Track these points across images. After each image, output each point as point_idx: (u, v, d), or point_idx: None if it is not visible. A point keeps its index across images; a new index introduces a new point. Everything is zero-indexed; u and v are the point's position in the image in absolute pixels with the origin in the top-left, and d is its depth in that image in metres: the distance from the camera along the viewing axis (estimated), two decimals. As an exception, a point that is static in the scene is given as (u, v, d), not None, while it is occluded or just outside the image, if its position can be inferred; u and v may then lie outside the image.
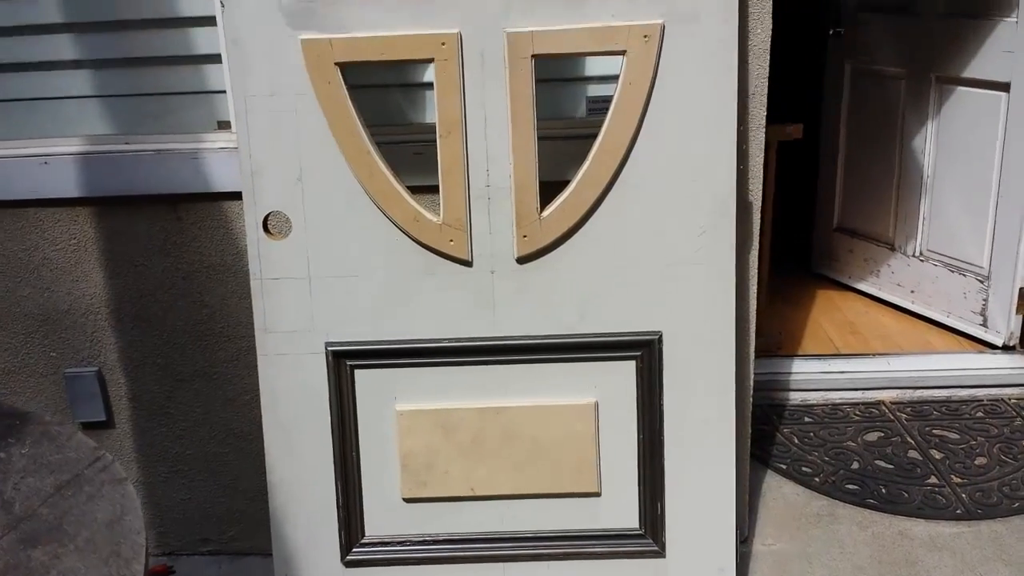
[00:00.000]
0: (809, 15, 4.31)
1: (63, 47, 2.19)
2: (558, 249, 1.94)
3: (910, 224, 3.37)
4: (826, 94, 3.61)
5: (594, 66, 2.18)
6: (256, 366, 1.99)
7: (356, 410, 2.00)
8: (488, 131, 1.87)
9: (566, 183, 1.92)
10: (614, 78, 1.88)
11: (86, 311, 2.27)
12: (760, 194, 2.14)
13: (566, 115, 2.22)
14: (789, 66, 3.81)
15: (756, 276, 2.20)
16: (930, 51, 3.14)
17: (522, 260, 1.94)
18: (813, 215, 3.83)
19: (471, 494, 2.03)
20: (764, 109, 2.04)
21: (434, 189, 1.92)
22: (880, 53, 3.34)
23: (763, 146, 2.09)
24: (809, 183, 3.84)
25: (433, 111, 1.88)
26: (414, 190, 1.94)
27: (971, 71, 3.01)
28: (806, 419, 2.94)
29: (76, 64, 2.19)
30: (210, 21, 2.09)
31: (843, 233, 3.69)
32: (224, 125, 2.19)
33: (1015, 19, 2.83)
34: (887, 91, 3.34)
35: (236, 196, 2.08)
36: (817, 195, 3.78)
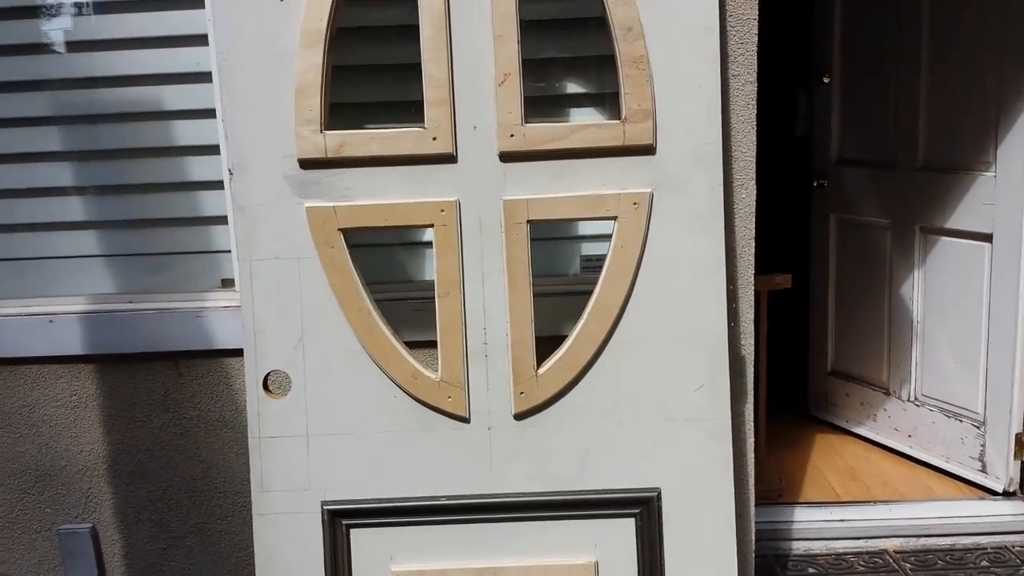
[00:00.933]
0: (794, 165, 4.48)
1: (74, 209, 2.27)
2: (555, 405, 1.96)
3: (903, 369, 3.40)
4: (813, 243, 3.71)
5: (587, 226, 2.26)
6: (251, 522, 1.98)
7: (351, 571, 1.97)
8: (486, 291, 1.92)
9: (562, 338, 1.96)
10: (606, 236, 1.95)
11: (83, 467, 2.27)
12: (752, 348, 2.17)
13: (561, 272, 2.28)
14: (776, 214, 3.93)
15: (753, 427, 2.21)
16: (912, 203, 3.25)
17: (519, 416, 1.95)
18: (808, 358, 3.86)
19: (468, 659, 1.97)
20: (752, 267, 2.10)
21: (433, 344, 1.96)
22: (864, 204, 3.45)
23: (753, 303, 2.14)
24: (802, 324, 3.89)
25: (432, 269, 1.93)
26: (413, 345, 1.98)
27: (954, 222, 3.11)
28: (810, 570, 2.88)
29: (86, 225, 2.27)
30: (218, 185, 2.18)
31: (838, 377, 3.71)
32: (228, 282, 2.25)
33: (993, 173, 2.94)
34: (873, 241, 3.43)
35: (237, 353, 2.12)
36: (810, 340, 3.82)
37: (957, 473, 3.24)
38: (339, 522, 1.96)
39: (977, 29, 2.93)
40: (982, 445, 3.13)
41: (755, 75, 1.97)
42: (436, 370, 1.94)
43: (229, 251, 2.22)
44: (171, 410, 2.23)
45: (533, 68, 2.13)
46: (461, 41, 1.82)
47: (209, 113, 2.14)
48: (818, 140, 3.59)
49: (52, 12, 2.20)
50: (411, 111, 2.04)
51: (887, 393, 3.50)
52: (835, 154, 3.53)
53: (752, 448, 2.21)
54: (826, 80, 3.46)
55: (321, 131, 1.84)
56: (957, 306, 3.15)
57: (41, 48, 2.23)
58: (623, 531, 1.96)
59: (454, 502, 1.96)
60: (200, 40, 2.11)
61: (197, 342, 2.17)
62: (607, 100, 2.19)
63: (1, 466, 2.27)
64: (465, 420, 1.95)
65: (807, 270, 3.76)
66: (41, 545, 2.31)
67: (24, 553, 2.32)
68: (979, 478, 3.15)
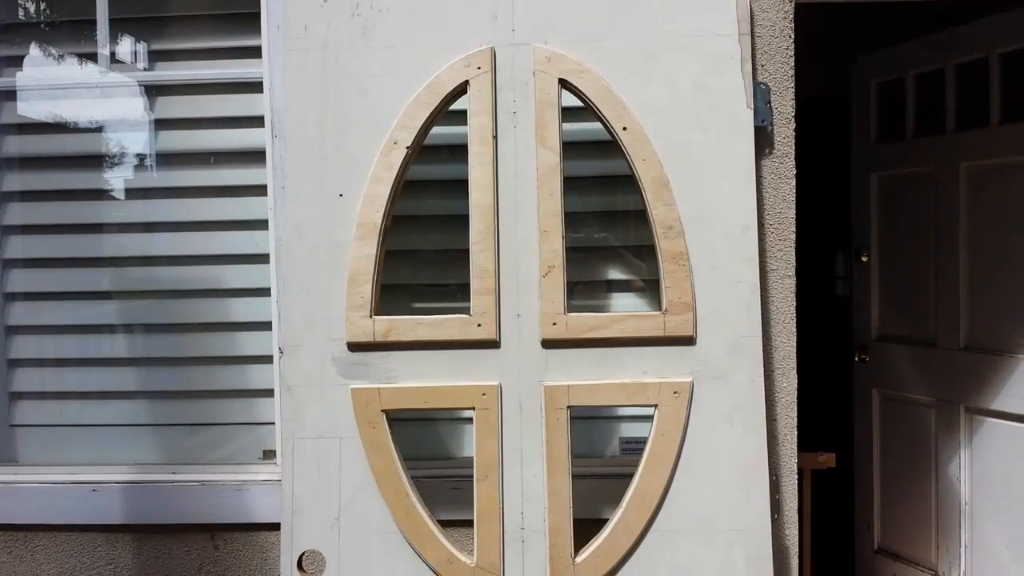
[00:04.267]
0: (834, 326, 4.48)
1: (126, 379, 2.34)
2: (592, 596, 1.92)
3: (952, 552, 3.28)
4: (856, 418, 3.66)
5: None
6: None
7: None
8: (524, 475, 1.92)
9: (600, 522, 1.93)
10: (645, 418, 1.95)
11: (112, 638, 2.24)
12: (797, 537, 2.13)
13: (600, 453, 2.28)
14: (818, 381, 3.90)
15: (797, 619, 2.14)
16: (956, 382, 3.21)
17: (556, 606, 1.91)
18: (853, 534, 3.74)
19: None
20: (795, 457, 2.08)
21: (469, 523, 1.94)
22: (906, 381, 3.42)
23: (796, 490, 2.11)
24: (847, 496, 3.78)
25: (471, 444, 1.94)
26: (450, 524, 1.97)
27: (1000, 404, 3.06)
28: None
29: (136, 395, 2.34)
30: (265, 360, 2.24)
31: (885, 556, 3.58)
32: (269, 454, 2.27)
33: (1037, 355, 2.92)
34: (917, 418, 3.38)
35: (274, 527, 2.12)
36: (855, 516, 3.71)
37: (1014, 668, 3.07)
38: None
39: (1016, 214, 2.98)
40: (1039, 638, 2.97)
41: (793, 269, 2.02)
42: (472, 553, 1.92)
43: (272, 423, 2.25)
44: (205, 583, 2.22)
45: (577, 255, 2.21)
46: (508, 234, 1.89)
47: (264, 292, 2.22)
48: (858, 315, 3.60)
49: (120, 194, 2.35)
50: (457, 291, 2.11)
51: (936, 575, 3.37)
52: (876, 329, 3.53)
53: (796, 643, 2.13)
54: (864, 258, 3.50)
55: (371, 316, 1.90)
56: (1006, 489, 3.07)
57: (107, 227, 2.37)
58: None
59: None
60: (260, 224, 2.22)
61: (235, 515, 2.18)
62: (648, 285, 2.24)
63: (31, 634, 2.26)
64: (500, 609, 1.92)
65: (849, 436, 3.70)
66: None
67: None
68: (1037, 674, 2.98)
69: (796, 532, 2.12)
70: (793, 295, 2.03)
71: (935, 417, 3.32)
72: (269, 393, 2.25)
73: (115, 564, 2.22)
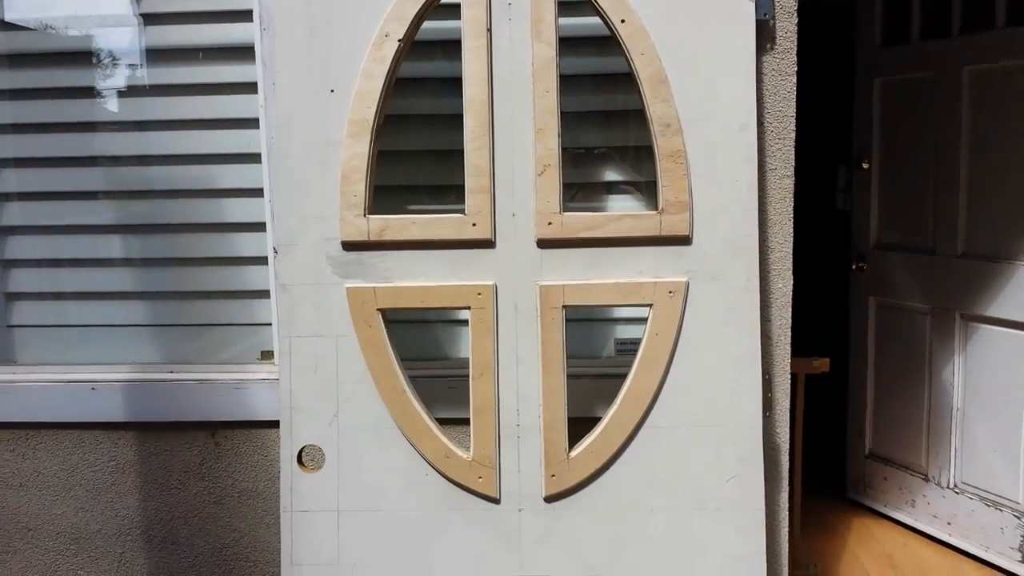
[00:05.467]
0: (834, 239, 4.47)
1: (123, 279, 2.34)
2: (586, 489, 1.95)
3: (942, 455, 3.34)
4: (852, 325, 3.68)
5: (622, 309, 2.27)
6: (279, 597, 1.99)
7: (377, 651, 1.96)
8: (519, 373, 1.94)
9: (595, 420, 1.96)
10: (641, 320, 1.96)
11: (117, 532, 2.30)
12: (788, 436, 2.16)
13: (595, 354, 2.29)
14: (816, 291, 3.91)
15: (787, 515, 2.18)
16: (953, 289, 3.22)
17: (550, 499, 1.95)
18: (846, 440, 3.81)
19: None
20: (788, 357, 2.09)
21: (466, 421, 1.97)
22: (903, 289, 3.43)
23: (789, 391, 2.13)
24: (841, 404, 3.84)
25: (468, 346, 1.96)
26: (447, 422, 2.00)
27: (995, 311, 3.08)
28: (844, 663, 2.81)
29: (134, 295, 2.34)
30: (261, 260, 2.24)
31: (876, 460, 3.65)
32: (267, 354, 2.29)
33: (1034, 262, 2.92)
34: (912, 325, 3.40)
35: (272, 424, 2.15)
36: (848, 422, 3.77)
37: (997, 564, 3.16)
38: (366, 601, 1.95)
39: (1018, 119, 2.94)
40: (1022, 536, 3.05)
41: (792, 169, 2.00)
42: (468, 449, 1.95)
43: (269, 324, 2.27)
44: (206, 478, 2.26)
45: (573, 156, 2.19)
46: (503, 132, 1.87)
47: (257, 192, 2.20)
48: (857, 224, 3.59)
49: (110, 92, 2.31)
50: (452, 193, 2.09)
51: (926, 479, 3.43)
52: (874, 238, 3.53)
53: (786, 538, 2.18)
54: (865, 166, 3.47)
55: (365, 215, 1.89)
56: (997, 394, 3.10)
57: (98, 126, 2.33)
58: (652, 623, 1.94)
59: (482, 586, 1.95)
60: (252, 123, 2.19)
61: (235, 413, 2.21)
62: (644, 186, 2.22)
63: (38, 527, 2.31)
64: (495, 501, 1.96)
65: (845, 349, 3.73)
66: (72, 608, 2.34)
67: (55, 615, 2.35)
68: (1019, 569, 3.07)
69: (787, 431, 2.15)
70: (791, 196, 2.01)
71: (930, 324, 3.34)
72: (266, 294, 2.26)
73: (117, 460, 2.27)
